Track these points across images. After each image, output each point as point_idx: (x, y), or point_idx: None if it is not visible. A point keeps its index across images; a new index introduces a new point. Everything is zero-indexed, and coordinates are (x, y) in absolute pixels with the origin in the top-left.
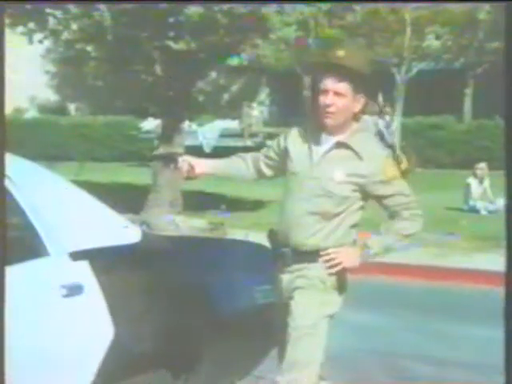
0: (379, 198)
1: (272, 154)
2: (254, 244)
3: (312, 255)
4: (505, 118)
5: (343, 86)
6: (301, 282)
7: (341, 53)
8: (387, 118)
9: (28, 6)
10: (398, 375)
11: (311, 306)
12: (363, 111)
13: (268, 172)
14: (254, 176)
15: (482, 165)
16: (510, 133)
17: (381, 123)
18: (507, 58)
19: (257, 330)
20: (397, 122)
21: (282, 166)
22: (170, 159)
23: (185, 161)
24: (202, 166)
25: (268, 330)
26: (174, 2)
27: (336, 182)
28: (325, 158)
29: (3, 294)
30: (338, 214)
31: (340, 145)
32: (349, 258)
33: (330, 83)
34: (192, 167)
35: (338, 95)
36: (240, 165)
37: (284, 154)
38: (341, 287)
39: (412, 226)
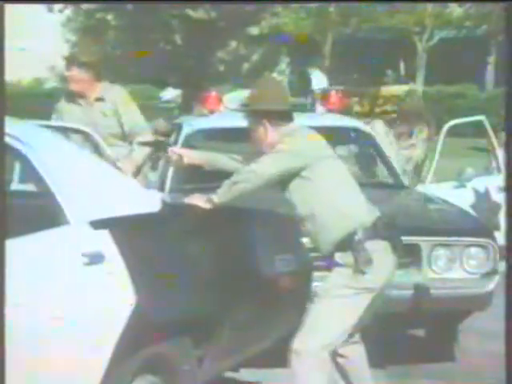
0: None
1: None
2: (278, 214)
3: None
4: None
5: None
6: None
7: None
8: None
9: None
10: None
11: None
12: None
13: None
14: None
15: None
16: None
17: None
18: (508, 57)
19: (277, 299)
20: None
21: None
22: (158, 147)
23: (173, 151)
24: (192, 156)
25: (289, 298)
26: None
27: None
28: None
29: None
30: None
31: None
32: None
33: None
34: (181, 157)
35: None
36: (232, 161)
37: None
38: None
39: None
